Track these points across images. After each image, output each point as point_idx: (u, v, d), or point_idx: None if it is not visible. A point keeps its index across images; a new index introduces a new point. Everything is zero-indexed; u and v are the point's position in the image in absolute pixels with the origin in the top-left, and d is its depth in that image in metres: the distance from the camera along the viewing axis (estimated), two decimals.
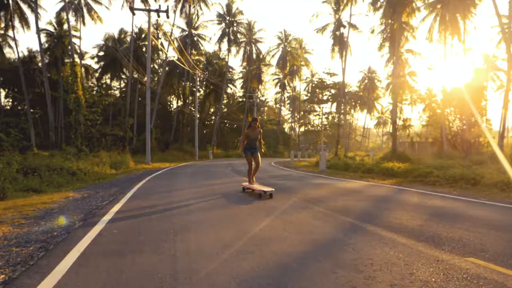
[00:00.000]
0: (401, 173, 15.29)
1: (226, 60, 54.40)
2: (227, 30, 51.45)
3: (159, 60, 49.72)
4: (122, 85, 50.38)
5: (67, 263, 3.65)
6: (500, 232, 5.01)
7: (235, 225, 5.48)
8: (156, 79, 47.67)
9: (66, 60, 38.76)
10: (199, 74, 41.83)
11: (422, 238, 4.67)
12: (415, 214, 6.41)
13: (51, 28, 40.66)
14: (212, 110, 59.73)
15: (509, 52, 21.59)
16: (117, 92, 50.87)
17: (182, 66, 38.22)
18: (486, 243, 4.42)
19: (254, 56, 55.52)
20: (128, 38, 44.80)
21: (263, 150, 10.01)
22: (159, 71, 47.75)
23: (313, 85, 64.68)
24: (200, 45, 50.24)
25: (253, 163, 9.53)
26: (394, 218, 5.99)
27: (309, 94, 68.72)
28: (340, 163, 21.37)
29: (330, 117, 61.02)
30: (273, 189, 8.64)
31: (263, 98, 70.18)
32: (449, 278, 3.19)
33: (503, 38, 28.86)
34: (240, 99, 61.80)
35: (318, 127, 60.62)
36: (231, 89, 61.36)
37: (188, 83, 49.49)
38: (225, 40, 51.71)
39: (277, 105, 71.82)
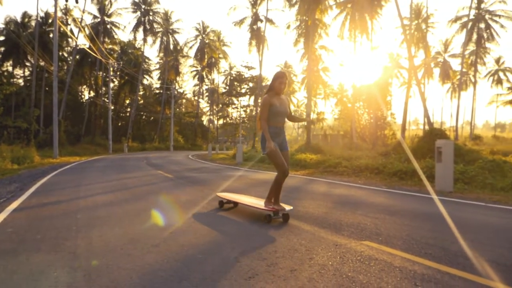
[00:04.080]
0: (313, 164, 15.99)
1: (142, 50, 52.65)
2: (142, 19, 49.75)
3: (69, 48, 46.64)
4: (27, 73, 46.50)
5: None
6: (394, 217, 5.45)
7: (143, 219, 5.34)
8: (65, 68, 44.67)
9: None
10: (113, 63, 39.98)
11: (325, 224, 4.92)
12: (322, 203, 6.74)
13: None
14: (127, 101, 57.57)
15: (409, 52, 23.42)
16: (20, 81, 46.82)
17: (94, 55, 36.26)
18: (381, 227, 4.78)
19: (172, 47, 54.41)
20: (33, 23, 41.39)
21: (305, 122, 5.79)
22: (69, 59, 44.81)
23: (232, 78, 64.97)
24: (114, 34, 48.06)
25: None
26: (302, 207, 6.24)
27: (227, 87, 68.89)
28: (256, 155, 21.77)
29: (248, 110, 61.80)
30: (291, 208, 5.33)
31: (181, 90, 69.07)
32: (344, 261, 3.40)
33: (405, 38, 31.26)
34: (157, 91, 60.30)
35: (237, 120, 61.14)
36: (147, 80, 59.65)
37: (101, 73, 47.11)
38: (141, 29, 50.02)
39: (196, 98, 71.17)
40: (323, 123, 53.84)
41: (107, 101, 42.14)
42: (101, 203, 6.77)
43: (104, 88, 46.98)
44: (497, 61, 57.32)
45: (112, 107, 43.06)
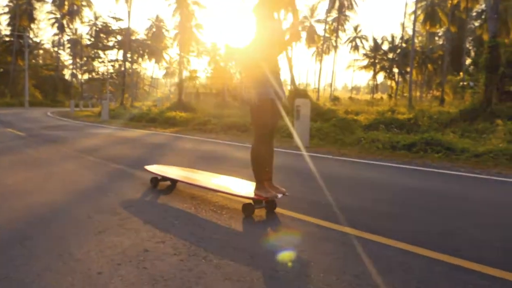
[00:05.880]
0: (183, 122, 15.97)
1: None
2: None
3: None
4: None
5: None
6: (250, 169, 5.77)
7: None
8: None
9: None
10: None
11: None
12: (185, 158, 6.83)
13: None
14: None
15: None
16: None
17: None
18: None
19: None
20: None
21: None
22: None
23: (97, 29, 59.97)
24: None
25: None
26: (163, 162, 6.21)
27: (93, 39, 63.54)
28: (125, 113, 20.95)
29: (116, 65, 58.19)
30: (284, 191, 3.66)
31: (37, 40, 61.78)
32: (198, 210, 3.55)
33: None
34: (7, 39, 52.99)
35: (104, 75, 57.27)
36: None
37: None
38: None
39: (55, 49, 64.36)
40: (196, 81, 53.47)
41: None
42: None
43: None
44: (356, 28, 62.63)
45: None
